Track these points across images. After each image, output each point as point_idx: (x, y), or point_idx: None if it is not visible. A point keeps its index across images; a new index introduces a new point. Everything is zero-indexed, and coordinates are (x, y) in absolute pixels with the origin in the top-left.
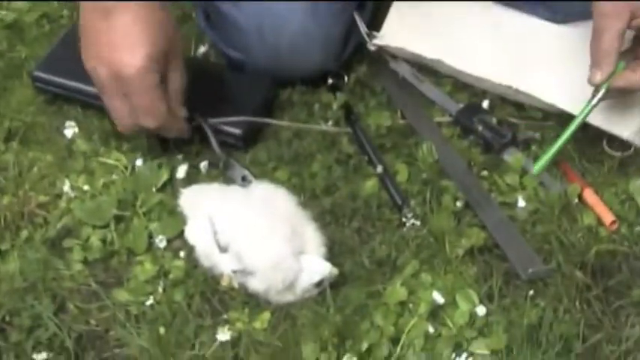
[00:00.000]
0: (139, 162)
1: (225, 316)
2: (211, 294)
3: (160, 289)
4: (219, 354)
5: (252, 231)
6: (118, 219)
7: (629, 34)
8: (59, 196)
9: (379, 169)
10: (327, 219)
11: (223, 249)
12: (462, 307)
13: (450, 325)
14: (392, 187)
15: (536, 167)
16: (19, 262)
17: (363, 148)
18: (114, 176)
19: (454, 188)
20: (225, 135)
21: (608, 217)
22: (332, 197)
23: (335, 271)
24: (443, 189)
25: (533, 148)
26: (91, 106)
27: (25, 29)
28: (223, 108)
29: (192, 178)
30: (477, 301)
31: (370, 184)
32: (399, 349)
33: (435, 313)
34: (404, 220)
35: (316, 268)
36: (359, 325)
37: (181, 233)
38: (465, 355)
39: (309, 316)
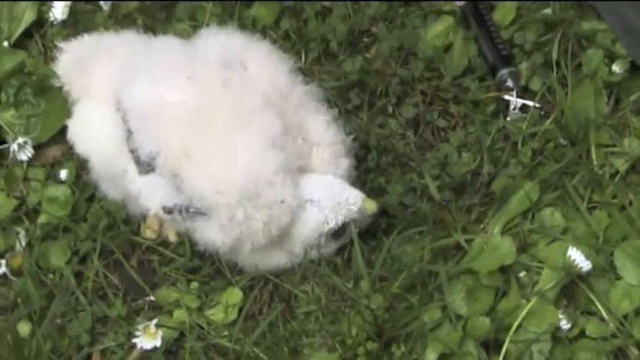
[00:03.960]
0: None
1: (150, 298)
2: (124, 255)
3: (20, 244)
4: None
5: (202, 127)
6: None
7: None
8: None
9: None
10: (355, 100)
11: (146, 165)
12: (628, 279)
13: (604, 314)
14: (482, 31)
15: None
16: None
17: None
18: None
19: (607, 35)
20: None
21: None
22: (362, 57)
23: (372, 205)
24: (584, 36)
25: None
26: None
27: None
28: None
29: (79, 20)
30: None
31: (440, 29)
32: None
33: (573, 290)
34: (506, 97)
35: (334, 199)
36: (419, 315)
37: (62, 133)
38: None
39: (319, 298)
